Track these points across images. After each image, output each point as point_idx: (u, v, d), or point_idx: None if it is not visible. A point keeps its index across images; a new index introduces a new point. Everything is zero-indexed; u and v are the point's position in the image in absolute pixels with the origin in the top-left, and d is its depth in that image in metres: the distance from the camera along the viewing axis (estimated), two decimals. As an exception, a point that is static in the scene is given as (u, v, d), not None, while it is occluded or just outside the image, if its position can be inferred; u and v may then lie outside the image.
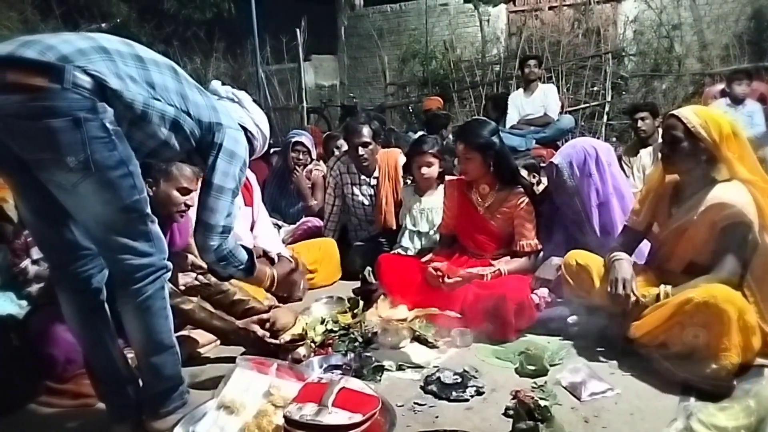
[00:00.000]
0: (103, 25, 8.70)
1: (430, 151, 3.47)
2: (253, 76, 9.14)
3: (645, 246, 2.67)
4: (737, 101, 5.51)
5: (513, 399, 1.97)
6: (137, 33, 8.97)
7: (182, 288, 2.45)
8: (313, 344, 2.56)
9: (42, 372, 2.25)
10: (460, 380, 2.22)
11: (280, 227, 4.07)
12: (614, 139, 7.57)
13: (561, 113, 6.56)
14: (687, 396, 2.05)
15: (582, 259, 2.59)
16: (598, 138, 6.81)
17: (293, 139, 4.31)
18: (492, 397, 2.16)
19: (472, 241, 3.13)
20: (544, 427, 1.84)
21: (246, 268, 2.11)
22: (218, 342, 2.68)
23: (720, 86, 6.13)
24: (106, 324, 1.91)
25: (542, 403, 1.93)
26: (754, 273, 2.26)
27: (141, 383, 1.96)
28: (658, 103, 6.99)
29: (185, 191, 2.45)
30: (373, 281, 3.12)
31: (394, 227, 3.80)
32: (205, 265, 2.61)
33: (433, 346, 2.61)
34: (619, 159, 4.45)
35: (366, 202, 3.95)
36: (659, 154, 2.46)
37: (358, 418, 1.65)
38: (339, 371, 2.28)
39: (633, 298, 2.31)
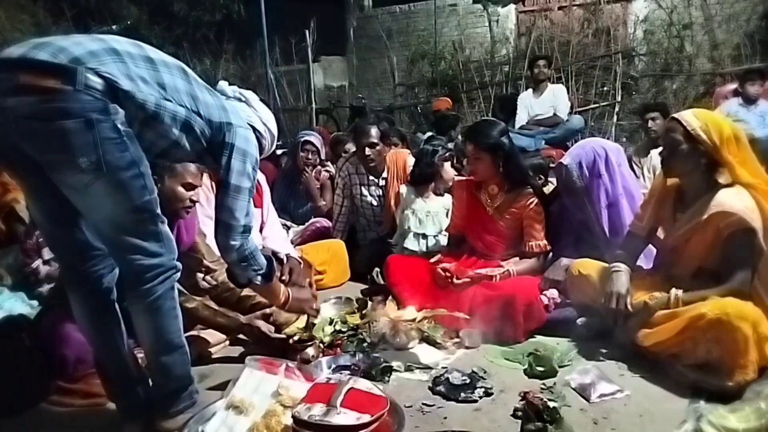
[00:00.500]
0: (114, 27, 8.76)
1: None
2: (263, 78, 9.16)
3: (652, 249, 2.65)
4: (750, 101, 5.46)
5: (522, 400, 1.96)
6: (147, 35, 9.02)
7: (189, 288, 2.47)
8: (321, 345, 2.56)
9: (53, 372, 2.26)
10: (468, 381, 2.21)
11: (289, 228, 4.08)
12: (624, 139, 7.51)
13: (570, 113, 6.55)
14: (697, 398, 2.04)
15: (584, 268, 2.59)
16: (607, 138, 6.77)
17: (302, 139, 4.32)
18: (501, 398, 2.15)
19: (481, 241, 3.12)
20: (553, 428, 1.84)
21: (265, 273, 2.12)
22: (227, 342, 2.69)
23: (731, 86, 6.08)
24: (117, 324, 1.92)
25: (551, 404, 1.93)
26: (761, 278, 2.22)
27: (151, 383, 1.98)
28: (669, 103, 6.96)
29: (190, 187, 2.45)
30: (382, 282, 3.12)
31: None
32: (212, 266, 2.64)
33: (441, 347, 2.61)
34: (629, 160, 4.42)
35: (374, 203, 3.95)
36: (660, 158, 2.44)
37: (366, 418, 1.65)
38: (347, 372, 2.27)
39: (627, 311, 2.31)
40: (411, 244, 3.55)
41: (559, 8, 9.29)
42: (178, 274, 1.85)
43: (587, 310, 2.59)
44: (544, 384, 2.21)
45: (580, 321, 2.62)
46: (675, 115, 2.37)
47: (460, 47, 9.88)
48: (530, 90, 6.72)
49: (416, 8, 10.73)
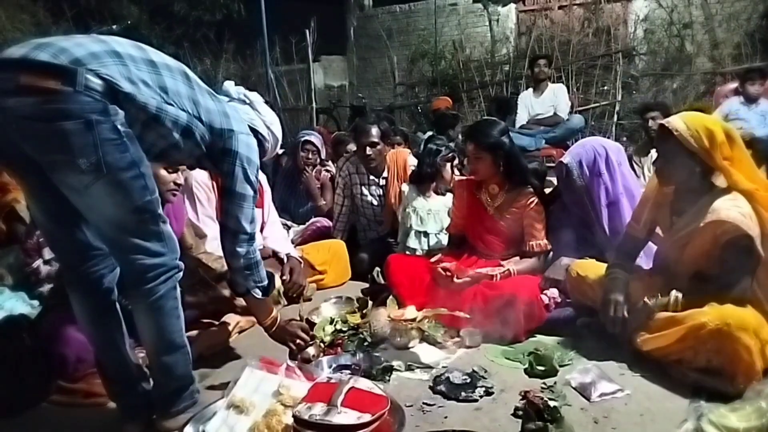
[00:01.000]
0: (114, 27, 8.76)
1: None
2: (263, 77, 9.15)
3: (653, 246, 2.65)
4: (750, 100, 5.46)
5: (522, 399, 1.97)
6: (148, 35, 9.03)
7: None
8: (322, 344, 2.57)
9: (54, 371, 2.26)
10: (469, 380, 2.21)
11: (289, 228, 4.08)
12: (625, 138, 7.51)
13: (571, 113, 6.55)
14: (697, 397, 2.04)
15: (583, 270, 2.59)
16: (608, 138, 6.77)
17: (303, 139, 4.33)
18: (501, 397, 2.15)
19: (482, 241, 3.12)
20: (554, 427, 1.84)
21: (264, 287, 2.18)
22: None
23: (732, 85, 6.08)
24: (118, 324, 1.93)
25: (552, 403, 1.93)
26: (761, 284, 2.20)
27: (152, 382, 1.98)
28: (669, 102, 6.95)
29: (172, 170, 2.40)
30: (382, 281, 3.12)
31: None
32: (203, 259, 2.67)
33: (442, 347, 2.61)
34: (630, 159, 4.42)
35: (375, 203, 3.95)
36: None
37: (367, 418, 1.65)
38: (348, 371, 2.28)
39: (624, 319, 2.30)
40: (412, 242, 3.55)
41: (560, 7, 9.29)
42: (180, 274, 1.86)
43: (587, 310, 2.58)
44: (544, 383, 2.21)
45: (580, 321, 2.62)
46: (663, 122, 2.29)
47: (461, 47, 9.88)
48: (530, 89, 6.73)
49: (416, 8, 10.73)
